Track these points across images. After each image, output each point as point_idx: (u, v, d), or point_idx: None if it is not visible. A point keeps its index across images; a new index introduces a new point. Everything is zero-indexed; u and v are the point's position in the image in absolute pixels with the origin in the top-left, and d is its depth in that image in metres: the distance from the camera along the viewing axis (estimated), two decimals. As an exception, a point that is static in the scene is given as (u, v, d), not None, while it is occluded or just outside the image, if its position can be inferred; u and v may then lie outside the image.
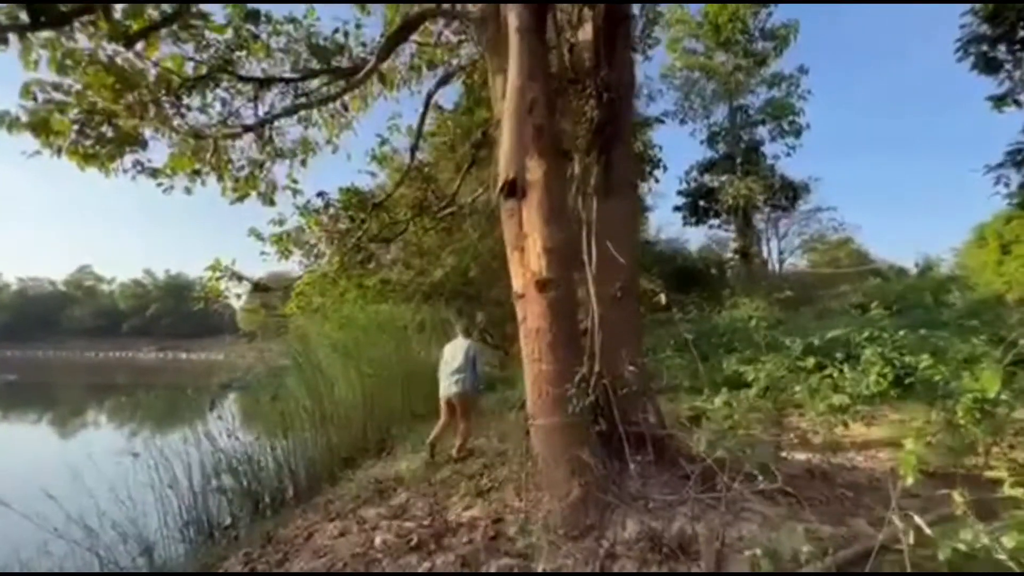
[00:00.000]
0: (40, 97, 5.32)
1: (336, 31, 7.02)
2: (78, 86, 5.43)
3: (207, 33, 6.12)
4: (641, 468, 3.44)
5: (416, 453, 5.69)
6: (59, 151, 5.44)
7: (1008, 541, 1.89)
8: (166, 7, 5.45)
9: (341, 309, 9.15)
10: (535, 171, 3.73)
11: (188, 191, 6.80)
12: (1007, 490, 2.05)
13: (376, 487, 4.78)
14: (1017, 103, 10.28)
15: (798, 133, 19.24)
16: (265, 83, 6.72)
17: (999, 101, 10.44)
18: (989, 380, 2.69)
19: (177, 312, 65.81)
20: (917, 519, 1.86)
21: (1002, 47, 9.94)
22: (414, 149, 8.41)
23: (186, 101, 6.29)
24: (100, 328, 68.79)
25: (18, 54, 4.84)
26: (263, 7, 6.38)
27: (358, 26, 7.07)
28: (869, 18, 69.69)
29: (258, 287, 8.24)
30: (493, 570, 2.96)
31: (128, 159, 6.09)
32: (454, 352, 5.56)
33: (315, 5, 6.77)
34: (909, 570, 2.02)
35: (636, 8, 7.18)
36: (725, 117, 20.67)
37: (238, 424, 6.34)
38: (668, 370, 7.43)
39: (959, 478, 3.61)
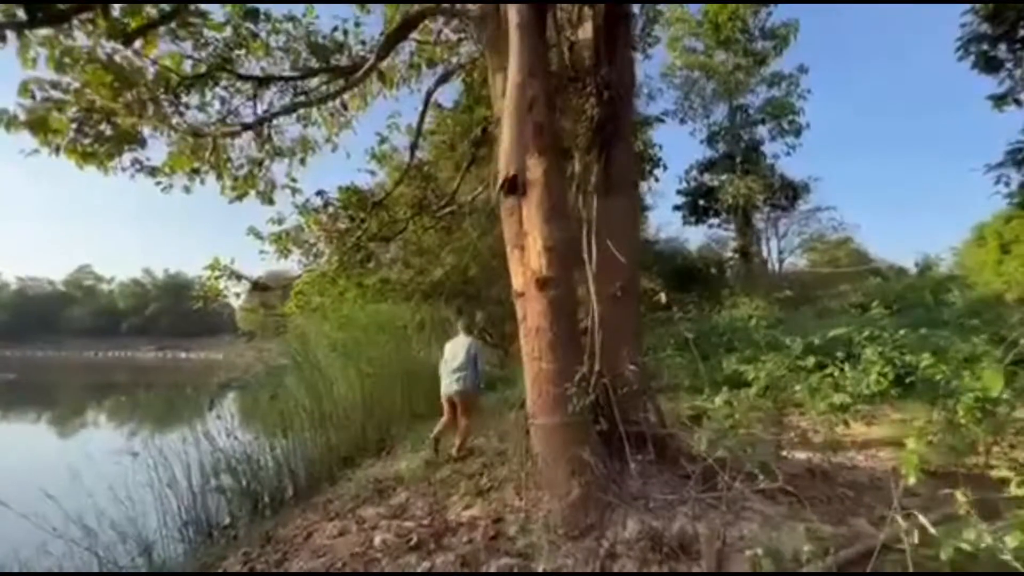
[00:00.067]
0: (38, 95, 5.30)
1: (335, 29, 7.01)
2: (76, 84, 5.40)
3: (206, 31, 6.09)
4: (641, 467, 3.44)
5: (416, 452, 5.67)
6: (57, 149, 5.41)
7: (1011, 541, 1.88)
8: (164, 5, 5.43)
9: (340, 308, 9.13)
10: (535, 169, 3.71)
11: (187, 190, 6.79)
12: (1014, 490, 2.04)
13: (376, 486, 4.77)
14: (1017, 102, 10.27)
15: (798, 132, 19.23)
16: (264, 81, 6.70)
17: (999, 100, 10.43)
18: (993, 379, 2.68)
19: (176, 311, 65.83)
20: (922, 519, 1.84)
21: (1002, 46, 9.93)
22: (413, 147, 8.38)
23: (185, 99, 6.26)
24: (99, 327, 68.78)
25: (16, 52, 4.83)
26: (262, 6, 6.37)
27: (357, 24, 7.06)
28: (869, 17, 69.76)
29: (257, 286, 8.22)
30: (493, 570, 2.94)
31: (127, 158, 6.07)
32: (455, 350, 5.54)
33: (314, 5, 6.77)
34: (912, 570, 2.00)
35: (636, 7, 7.16)
36: (725, 116, 20.65)
37: (237, 424, 6.33)
38: (668, 369, 7.43)
39: (960, 477, 3.61)
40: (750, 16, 18.88)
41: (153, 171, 6.40)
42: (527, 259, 3.74)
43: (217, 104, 6.61)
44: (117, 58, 5.47)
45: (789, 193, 20.13)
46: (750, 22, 19.04)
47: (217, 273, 7.57)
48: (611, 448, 3.52)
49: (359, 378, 7.21)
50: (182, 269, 72.83)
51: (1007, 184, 11.29)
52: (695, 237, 32.94)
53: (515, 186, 3.71)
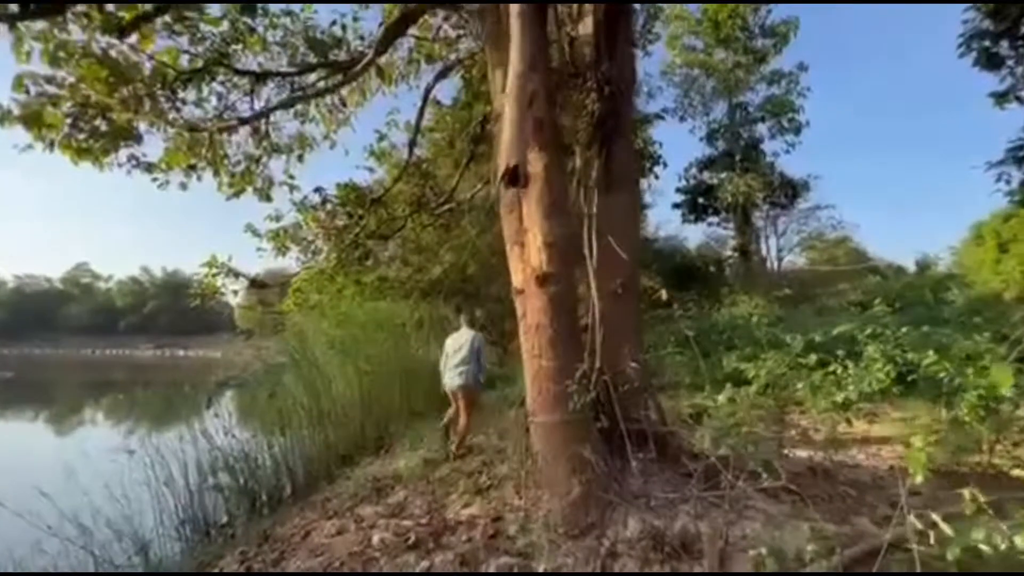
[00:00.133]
0: (33, 90, 5.26)
1: (333, 24, 6.96)
2: (71, 79, 5.36)
3: (202, 26, 6.05)
4: (643, 466, 3.40)
5: (414, 451, 5.64)
6: (52, 145, 5.37)
7: (1020, 541, 1.85)
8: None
9: (339, 306, 9.09)
10: (535, 164, 3.67)
11: (184, 186, 6.75)
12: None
13: (374, 485, 4.74)
14: (1019, 99, 10.24)
15: (797, 130, 19.20)
16: (262, 77, 6.66)
17: (1001, 98, 10.40)
18: (1002, 377, 2.65)
19: (174, 309, 65.69)
20: (934, 516, 1.81)
21: (1004, 43, 9.89)
22: (412, 144, 8.35)
23: (181, 95, 6.22)
24: (97, 326, 68.65)
25: (10, 46, 4.78)
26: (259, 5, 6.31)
27: (356, 19, 7.00)
28: (869, 16, 69.72)
29: (255, 283, 8.17)
30: (492, 569, 2.91)
31: (123, 153, 6.04)
32: (458, 344, 5.49)
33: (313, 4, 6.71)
34: (919, 569, 1.98)
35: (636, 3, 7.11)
36: (724, 114, 20.60)
37: (235, 422, 6.29)
38: (668, 367, 7.40)
39: (962, 476, 3.59)
40: (750, 14, 18.83)
41: (149, 167, 6.36)
42: (527, 256, 3.70)
43: (214, 100, 6.58)
44: (112, 53, 5.43)
45: (788, 191, 20.10)
46: (750, 20, 18.98)
47: (214, 270, 7.52)
48: (612, 446, 3.48)
49: (357, 376, 7.17)
50: (180, 267, 72.65)
51: (1008, 182, 11.27)
52: (694, 235, 32.96)
53: (516, 177, 3.66)
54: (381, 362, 7.61)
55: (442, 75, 7.78)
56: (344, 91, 7.46)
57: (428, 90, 7.75)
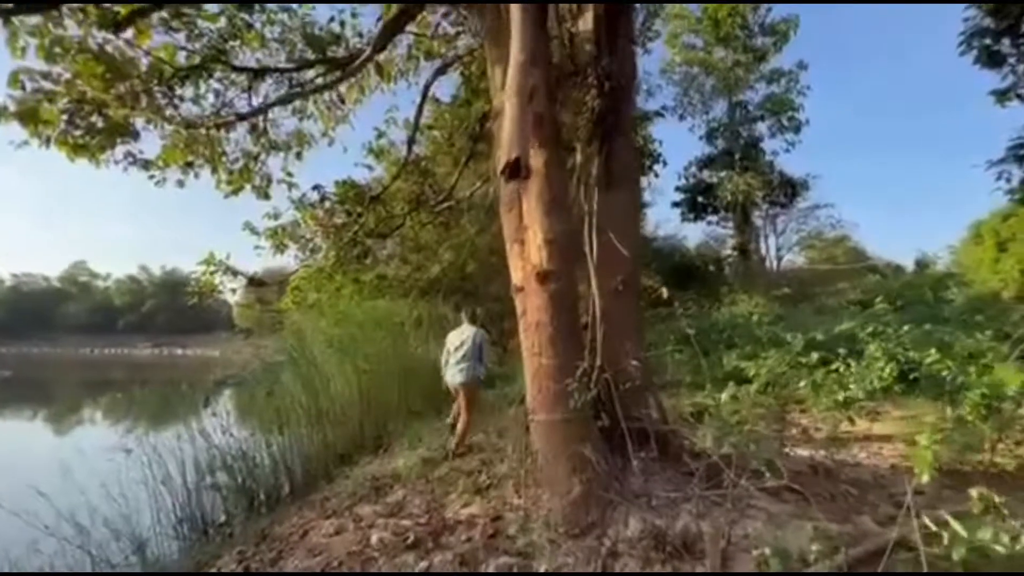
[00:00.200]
0: (29, 86, 5.21)
1: (331, 20, 6.91)
2: (67, 75, 5.31)
3: (200, 22, 6.00)
4: (644, 464, 3.38)
5: (413, 449, 5.61)
6: (48, 141, 5.33)
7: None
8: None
9: (337, 304, 9.05)
10: (536, 160, 3.64)
11: (181, 184, 6.70)
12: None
13: (373, 484, 4.71)
14: (1020, 97, 10.18)
15: (797, 129, 19.18)
16: (259, 73, 6.61)
17: (1002, 96, 10.36)
18: (1009, 377, 2.62)
19: (173, 308, 65.61)
20: (946, 516, 1.78)
21: (1006, 41, 9.85)
22: (411, 142, 8.31)
23: (179, 92, 6.17)
24: (95, 324, 68.52)
25: (5, 41, 4.73)
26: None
27: (354, 16, 6.96)
28: (868, 15, 69.73)
29: (253, 281, 8.13)
30: (492, 569, 2.88)
31: (119, 150, 6.00)
32: (460, 340, 5.44)
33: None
34: (926, 569, 1.95)
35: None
36: (724, 113, 20.57)
37: (233, 420, 6.26)
38: (669, 366, 7.38)
39: (964, 475, 3.57)
40: (749, 12, 18.79)
41: (147, 164, 6.32)
42: (527, 253, 3.67)
43: (212, 97, 6.54)
44: (109, 48, 5.39)
45: (788, 190, 20.07)
46: (749, 18, 18.94)
47: (212, 268, 7.48)
48: (613, 445, 3.46)
49: (356, 375, 7.13)
50: (179, 266, 72.49)
51: (1008, 180, 11.23)
52: (693, 234, 32.98)
53: (518, 170, 3.63)
54: (380, 361, 7.58)
55: (441, 71, 7.74)
56: (343, 88, 7.42)
57: (427, 87, 7.72)
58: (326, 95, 7.41)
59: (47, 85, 5.25)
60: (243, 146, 7.08)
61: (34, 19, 4.93)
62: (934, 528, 1.98)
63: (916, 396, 5.12)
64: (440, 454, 5.19)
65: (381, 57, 7.15)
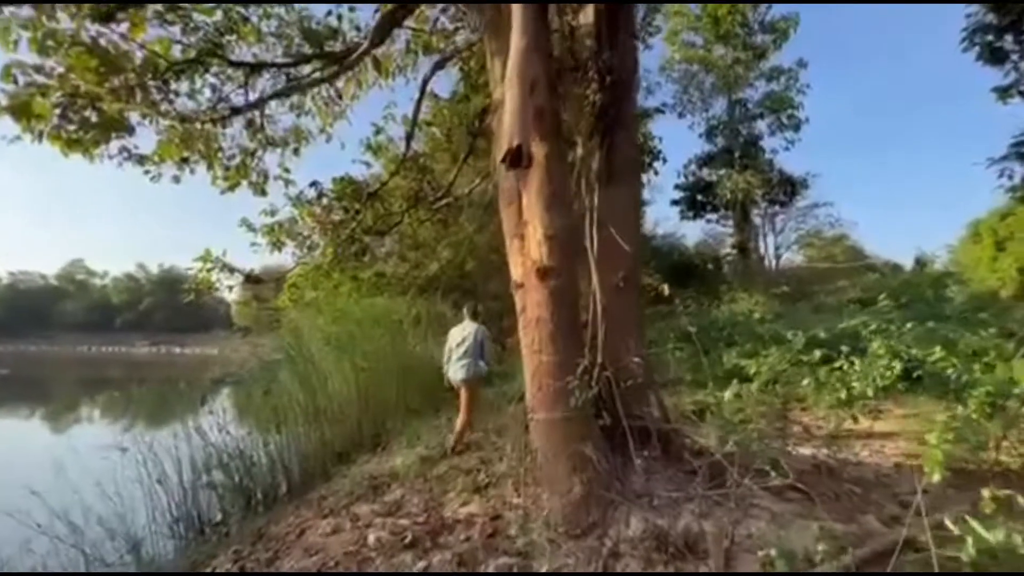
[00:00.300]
0: (21, 80, 5.13)
1: (329, 14, 6.84)
2: (60, 68, 5.23)
3: (195, 15, 5.93)
4: (645, 463, 3.33)
5: (411, 448, 5.56)
6: (40, 136, 5.24)
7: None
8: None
9: (335, 302, 9.00)
10: (536, 154, 3.59)
11: (176, 179, 6.63)
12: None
13: (370, 483, 4.66)
14: (1022, 94, 10.16)
15: (797, 127, 19.14)
16: (256, 68, 6.54)
17: (1004, 92, 10.32)
18: (1021, 373, 2.58)
19: (171, 306, 65.46)
20: (959, 517, 1.73)
21: (1008, 37, 9.81)
22: (409, 138, 8.25)
23: (174, 86, 6.09)
24: (92, 322, 68.35)
25: (-4, 34, 4.66)
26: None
27: (351, 10, 6.89)
28: (868, 13, 69.70)
29: (249, 279, 8.06)
30: (491, 569, 2.84)
31: (114, 145, 5.92)
32: (462, 336, 5.41)
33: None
34: (936, 570, 1.91)
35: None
36: (724, 111, 20.52)
37: (230, 419, 6.21)
38: (669, 364, 7.35)
39: (969, 473, 3.53)
40: (749, 10, 18.73)
41: (141, 159, 6.24)
42: (527, 248, 3.62)
43: (208, 92, 6.46)
44: (103, 42, 5.31)
45: (787, 188, 20.05)
46: (749, 16, 18.89)
47: (208, 265, 7.41)
48: (614, 443, 3.41)
49: (354, 373, 7.09)
50: (176, 263, 72.18)
51: (1010, 177, 11.20)
52: (692, 233, 32.93)
53: (519, 158, 3.57)
54: (378, 359, 7.53)
55: (439, 66, 7.67)
56: (340, 83, 7.35)
57: (425, 81, 7.65)
58: (324, 91, 7.34)
59: (40, 79, 5.16)
60: (239, 142, 7.02)
61: (26, 11, 4.86)
62: (954, 529, 1.93)
63: (920, 394, 5.08)
64: (438, 452, 5.14)
65: (379, 52, 7.09)
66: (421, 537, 3.28)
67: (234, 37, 6.35)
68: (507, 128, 3.72)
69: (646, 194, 17.44)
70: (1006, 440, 3.79)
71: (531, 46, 3.67)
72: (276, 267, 12.31)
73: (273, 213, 8.12)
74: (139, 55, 5.64)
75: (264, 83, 6.82)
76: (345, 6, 6.85)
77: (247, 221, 8.08)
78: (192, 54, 6.05)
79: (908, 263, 25.58)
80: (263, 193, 7.44)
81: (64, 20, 5.05)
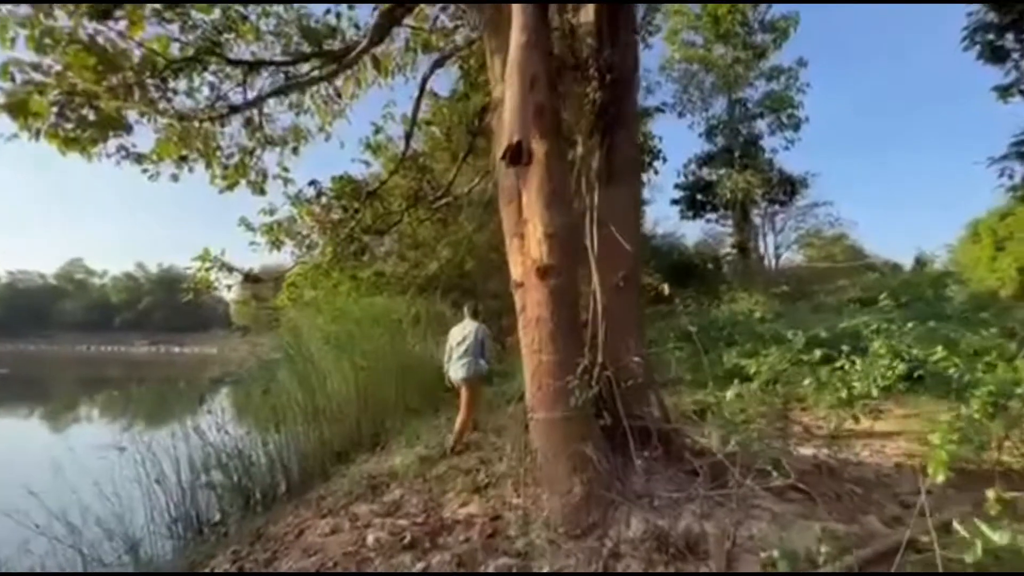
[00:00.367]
0: (18, 78, 5.10)
1: (328, 12, 6.81)
2: (58, 66, 5.20)
3: (194, 13, 5.90)
4: (646, 464, 3.31)
5: (411, 448, 5.55)
6: (38, 134, 5.22)
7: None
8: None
9: (334, 302, 8.98)
10: (536, 151, 3.56)
11: (175, 178, 6.61)
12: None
13: (369, 483, 4.64)
14: (1023, 93, 10.15)
15: (797, 127, 19.12)
16: (255, 66, 6.51)
17: (1005, 92, 10.30)
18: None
19: (170, 306, 65.43)
20: (975, 520, 1.72)
21: (1010, 36, 9.78)
22: (408, 137, 8.22)
23: (172, 84, 6.06)
24: (91, 322, 68.32)
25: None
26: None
27: (350, 8, 6.86)
28: (868, 13, 69.69)
29: (248, 278, 8.04)
30: (491, 570, 2.82)
31: (112, 144, 5.88)
32: (462, 334, 5.41)
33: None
34: (941, 570, 1.89)
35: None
36: (724, 110, 20.49)
37: (229, 418, 6.19)
38: (669, 363, 7.33)
39: (971, 474, 3.51)
40: (749, 9, 18.71)
41: (140, 158, 6.21)
42: (527, 247, 3.60)
43: (206, 90, 6.43)
44: (100, 39, 5.28)
45: (787, 188, 20.03)
46: (749, 15, 18.86)
47: (207, 264, 7.39)
48: (614, 443, 3.39)
49: (353, 372, 7.07)
50: (175, 263, 72.08)
51: (1011, 177, 11.18)
52: (692, 232, 32.92)
53: (519, 154, 3.55)
54: (377, 358, 7.52)
55: (439, 65, 7.64)
56: (339, 82, 7.32)
57: (424, 80, 7.62)
58: (323, 89, 7.31)
59: (37, 77, 5.14)
60: (238, 140, 7.00)
61: (23, 9, 4.83)
62: (962, 531, 1.91)
63: (921, 394, 5.07)
64: (438, 452, 5.13)
65: (378, 50, 7.06)
66: (420, 537, 3.26)
67: (233, 35, 6.32)
68: (507, 124, 3.70)
69: (646, 193, 17.43)
70: (1008, 440, 3.78)
71: (531, 43, 3.65)
72: (275, 266, 12.28)
73: (272, 212, 8.09)
74: (137, 53, 5.61)
75: (263, 81, 6.80)
76: (344, 4, 6.83)
77: (246, 220, 8.06)
78: (190, 52, 6.02)
79: (908, 263, 25.64)
80: (262, 192, 7.41)
81: (62, 18, 5.02)
